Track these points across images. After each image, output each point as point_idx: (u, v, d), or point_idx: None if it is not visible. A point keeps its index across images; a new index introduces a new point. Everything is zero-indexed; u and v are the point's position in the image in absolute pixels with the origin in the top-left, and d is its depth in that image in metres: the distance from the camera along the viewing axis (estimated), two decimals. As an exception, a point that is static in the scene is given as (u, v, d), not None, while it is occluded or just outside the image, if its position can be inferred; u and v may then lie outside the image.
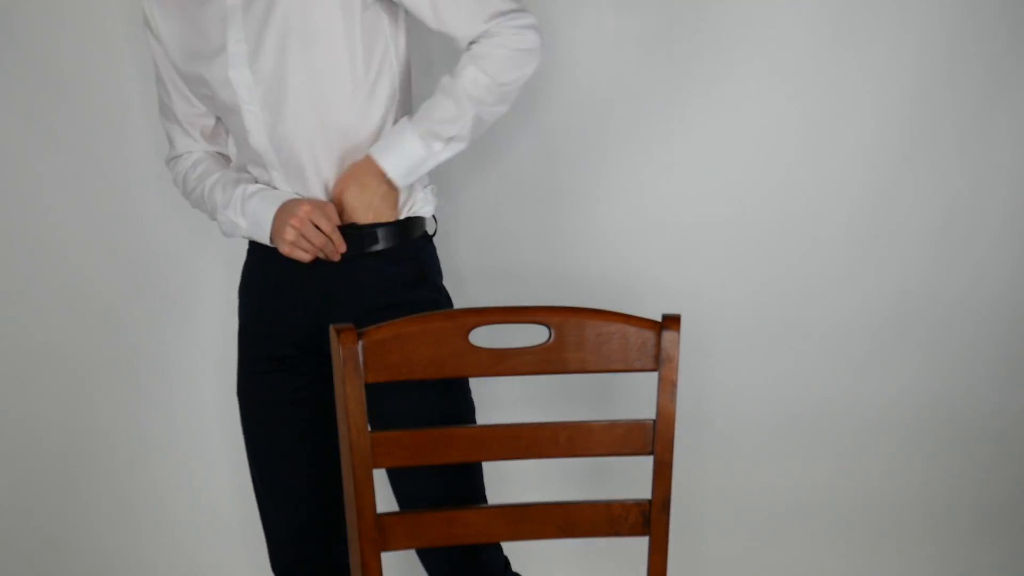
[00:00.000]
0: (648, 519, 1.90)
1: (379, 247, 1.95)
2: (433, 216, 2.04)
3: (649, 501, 1.90)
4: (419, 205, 2.01)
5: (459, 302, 2.18)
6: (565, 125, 2.28)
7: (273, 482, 2.01)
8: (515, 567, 2.08)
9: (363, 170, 1.92)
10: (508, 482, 2.24)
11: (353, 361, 1.80)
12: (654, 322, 1.90)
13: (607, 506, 1.90)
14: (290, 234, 1.88)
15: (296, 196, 1.95)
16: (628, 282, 2.32)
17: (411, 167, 1.92)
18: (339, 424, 1.85)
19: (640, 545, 1.93)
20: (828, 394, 2.45)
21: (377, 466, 1.82)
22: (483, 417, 2.13)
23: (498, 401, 2.26)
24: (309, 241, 1.89)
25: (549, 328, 1.87)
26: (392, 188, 1.94)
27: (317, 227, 1.89)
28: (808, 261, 2.39)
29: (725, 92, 2.32)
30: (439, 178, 2.25)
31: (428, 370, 1.83)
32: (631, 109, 2.30)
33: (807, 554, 2.49)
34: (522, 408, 2.26)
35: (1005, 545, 2.56)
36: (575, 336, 1.88)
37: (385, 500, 1.90)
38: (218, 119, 2.08)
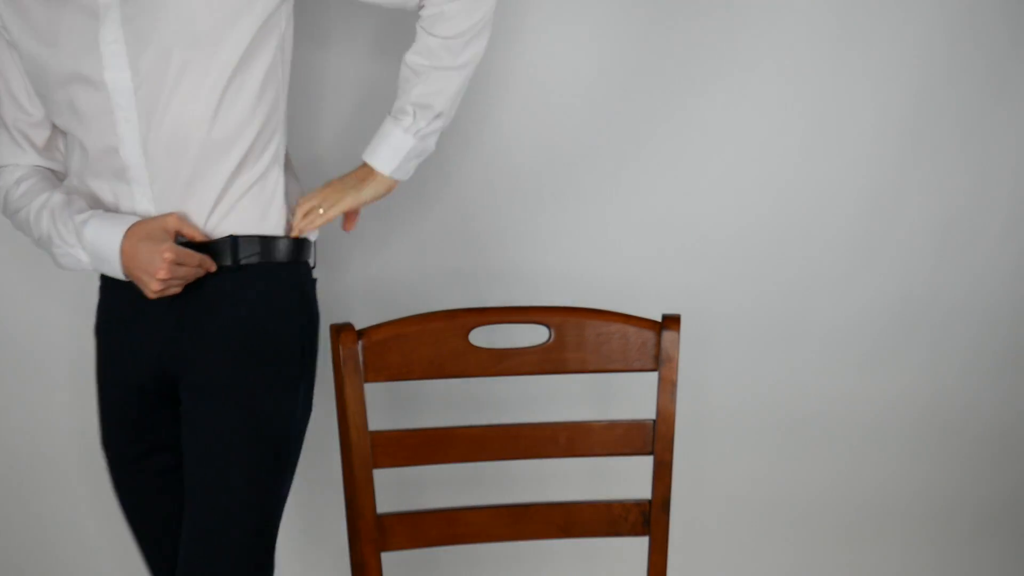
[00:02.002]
0: (648, 519, 1.90)
1: (253, 260, 1.80)
2: (314, 244, 1.89)
3: (649, 501, 1.90)
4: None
5: (459, 302, 2.19)
6: (565, 125, 2.28)
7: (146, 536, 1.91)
8: (515, 567, 2.08)
9: (359, 177, 1.85)
10: (508, 482, 2.24)
11: (353, 361, 1.80)
12: (654, 322, 1.90)
13: (607, 506, 1.90)
14: (157, 285, 1.73)
15: (133, 217, 1.77)
16: (628, 282, 2.32)
17: (405, 157, 1.83)
18: (339, 424, 1.85)
19: (640, 545, 1.93)
20: (828, 394, 2.45)
21: (377, 466, 1.82)
22: (483, 417, 2.13)
23: (498, 401, 2.26)
24: (181, 280, 1.75)
25: (549, 328, 1.87)
26: (386, 179, 1.84)
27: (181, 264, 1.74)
28: (809, 261, 2.39)
29: (726, 92, 2.32)
30: (436, 176, 2.25)
31: (428, 370, 1.83)
32: (632, 109, 2.30)
33: (807, 554, 2.49)
34: (522, 408, 2.26)
35: (1007, 545, 2.56)
36: (575, 336, 1.88)
37: (385, 500, 1.90)
38: (55, 129, 1.87)
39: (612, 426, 1.89)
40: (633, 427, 1.89)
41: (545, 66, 2.25)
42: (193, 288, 1.78)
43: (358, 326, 1.85)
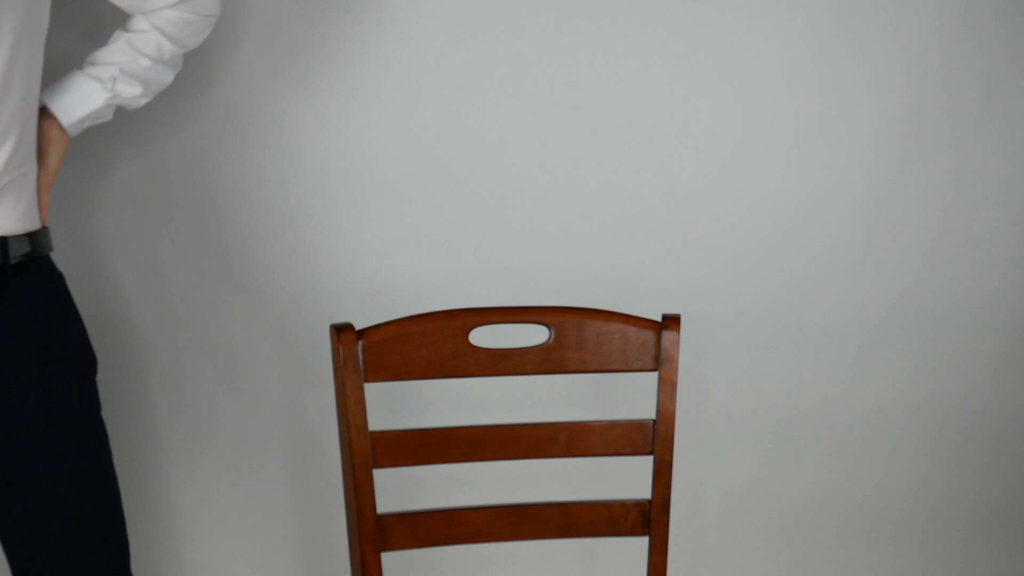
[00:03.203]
0: (648, 519, 1.90)
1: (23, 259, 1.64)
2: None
3: (649, 501, 1.91)
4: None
5: (459, 302, 2.19)
6: (564, 124, 2.28)
7: None
8: (515, 567, 2.08)
9: (51, 138, 1.69)
10: (508, 482, 2.24)
11: (353, 361, 1.80)
12: (654, 322, 1.91)
13: (607, 506, 1.90)
14: None
15: None
16: (628, 282, 2.32)
17: (77, 103, 1.70)
18: (339, 424, 1.85)
19: (640, 545, 1.93)
20: (828, 394, 2.45)
21: (377, 466, 1.82)
22: (483, 417, 2.13)
23: (498, 401, 2.26)
24: None
25: (549, 328, 1.87)
26: (64, 136, 1.70)
27: None
28: (808, 261, 2.39)
29: (725, 92, 2.32)
30: (436, 176, 2.25)
31: (428, 370, 1.83)
32: (632, 109, 2.30)
33: (808, 554, 2.49)
34: (522, 408, 2.26)
35: (1012, 545, 2.56)
36: (575, 336, 1.88)
37: (385, 500, 1.90)
38: None
39: (612, 426, 1.89)
40: (633, 427, 1.89)
41: (544, 66, 2.25)
42: None
43: (358, 326, 1.85)
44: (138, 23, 1.76)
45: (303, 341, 2.22)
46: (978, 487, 2.53)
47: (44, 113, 1.72)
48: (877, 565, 2.52)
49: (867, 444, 2.47)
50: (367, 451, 1.80)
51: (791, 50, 2.31)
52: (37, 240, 1.66)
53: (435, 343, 1.83)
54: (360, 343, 1.80)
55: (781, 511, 2.46)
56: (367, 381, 1.80)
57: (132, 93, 1.76)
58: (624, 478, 2.14)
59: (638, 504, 1.90)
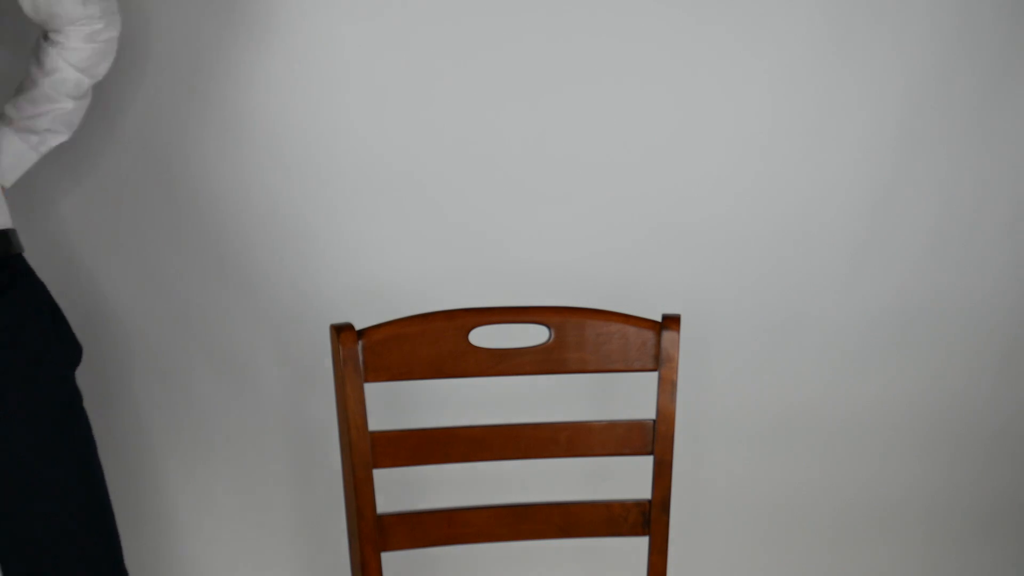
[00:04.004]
0: (648, 519, 1.90)
1: None
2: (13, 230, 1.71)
3: (649, 501, 1.91)
4: None
5: (459, 302, 2.18)
6: (564, 124, 2.28)
7: None
8: (515, 567, 2.08)
9: None
10: (508, 482, 2.24)
11: (353, 361, 1.80)
12: (654, 322, 1.91)
13: (607, 506, 1.90)
14: None
15: None
16: (628, 282, 2.32)
17: (14, 165, 1.76)
18: (339, 424, 1.85)
19: (640, 545, 1.93)
20: (829, 394, 2.45)
21: (377, 466, 1.82)
22: (483, 417, 2.13)
23: (498, 401, 2.26)
24: None
25: (549, 328, 1.87)
26: None
27: None
28: (808, 261, 2.39)
29: (725, 93, 2.32)
30: (436, 176, 2.25)
31: (428, 370, 1.83)
32: (631, 109, 2.30)
33: (808, 554, 2.49)
34: (522, 408, 2.26)
35: (1015, 544, 2.57)
36: (575, 336, 1.88)
37: (385, 500, 1.90)
38: None
39: (612, 426, 1.89)
40: (633, 427, 1.89)
41: (545, 65, 2.25)
42: None
43: (358, 326, 1.85)
44: (51, 60, 1.78)
45: (303, 341, 2.22)
46: (986, 486, 2.54)
47: None
48: (877, 564, 2.52)
49: (867, 444, 2.47)
50: (367, 451, 1.80)
51: (790, 50, 2.31)
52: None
53: (435, 343, 1.83)
54: (360, 343, 1.80)
55: (781, 511, 2.46)
56: (367, 381, 1.80)
57: (60, 140, 1.83)
58: (624, 478, 2.14)
59: (638, 504, 1.90)
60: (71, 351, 1.73)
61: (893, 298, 2.43)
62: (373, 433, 1.81)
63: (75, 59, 1.77)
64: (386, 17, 2.17)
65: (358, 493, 1.80)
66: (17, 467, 1.64)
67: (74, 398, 1.72)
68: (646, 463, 1.93)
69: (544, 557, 2.34)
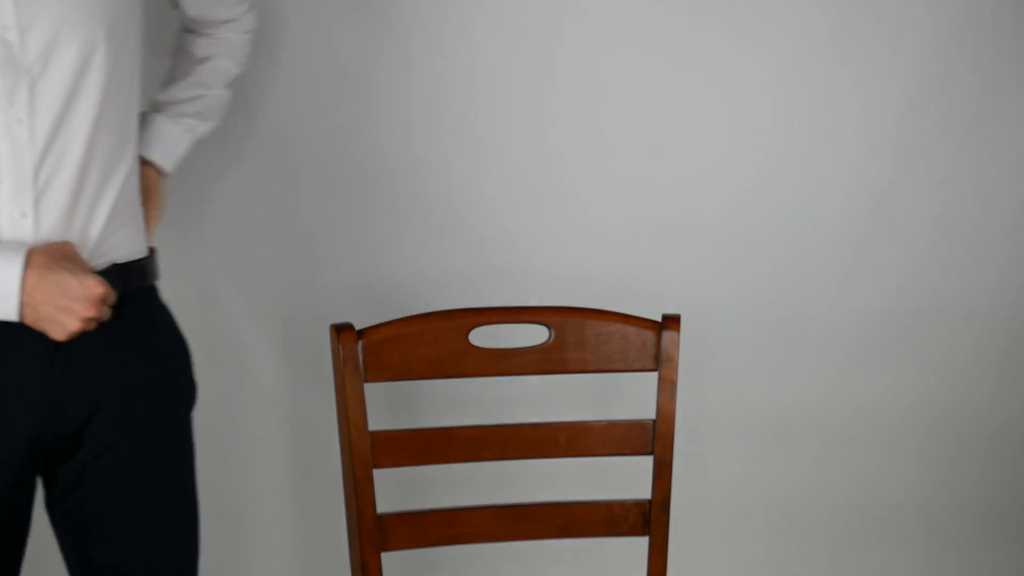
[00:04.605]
0: (648, 519, 1.90)
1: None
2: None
3: (649, 501, 1.91)
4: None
5: (459, 302, 2.18)
6: (564, 124, 2.28)
7: None
8: (515, 567, 2.08)
9: (155, 180, 1.71)
10: (508, 482, 2.24)
11: (353, 361, 1.80)
12: (654, 322, 1.91)
13: (607, 506, 1.90)
14: (77, 325, 1.45)
15: (16, 242, 1.45)
16: (628, 282, 2.32)
17: (171, 150, 1.75)
18: (339, 424, 1.85)
19: (640, 545, 1.93)
20: (829, 394, 2.45)
21: (377, 466, 1.82)
22: (483, 417, 2.13)
23: (498, 401, 2.26)
24: (100, 319, 1.48)
25: (549, 328, 1.87)
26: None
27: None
28: (808, 261, 2.39)
29: (725, 92, 2.32)
30: (436, 176, 2.25)
31: (428, 370, 1.83)
32: (631, 108, 2.30)
33: (808, 555, 2.49)
34: (522, 408, 2.26)
35: (1016, 543, 2.57)
36: (575, 336, 1.88)
37: (385, 500, 1.90)
38: None
39: (612, 426, 1.89)
40: (633, 427, 1.89)
41: (545, 65, 2.25)
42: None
43: (358, 326, 1.85)
44: (203, 50, 1.81)
45: (303, 341, 2.22)
46: (986, 487, 2.54)
47: (142, 161, 1.73)
48: (876, 563, 2.52)
49: (867, 443, 2.47)
50: (367, 451, 1.80)
51: (790, 50, 2.31)
52: (151, 267, 1.65)
53: (435, 343, 1.83)
54: (360, 343, 1.80)
55: (781, 510, 2.46)
56: (367, 381, 1.80)
57: (210, 127, 1.83)
58: (624, 478, 2.14)
59: (638, 504, 1.90)
60: (194, 390, 1.72)
61: (893, 298, 2.43)
62: (373, 433, 1.81)
63: (227, 49, 1.82)
64: (387, 17, 2.17)
65: (358, 493, 1.80)
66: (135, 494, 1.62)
67: (190, 432, 1.71)
68: (646, 463, 1.92)
69: (544, 557, 2.34)
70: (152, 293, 1.66)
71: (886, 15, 2.32)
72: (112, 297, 1.48)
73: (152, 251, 1.68)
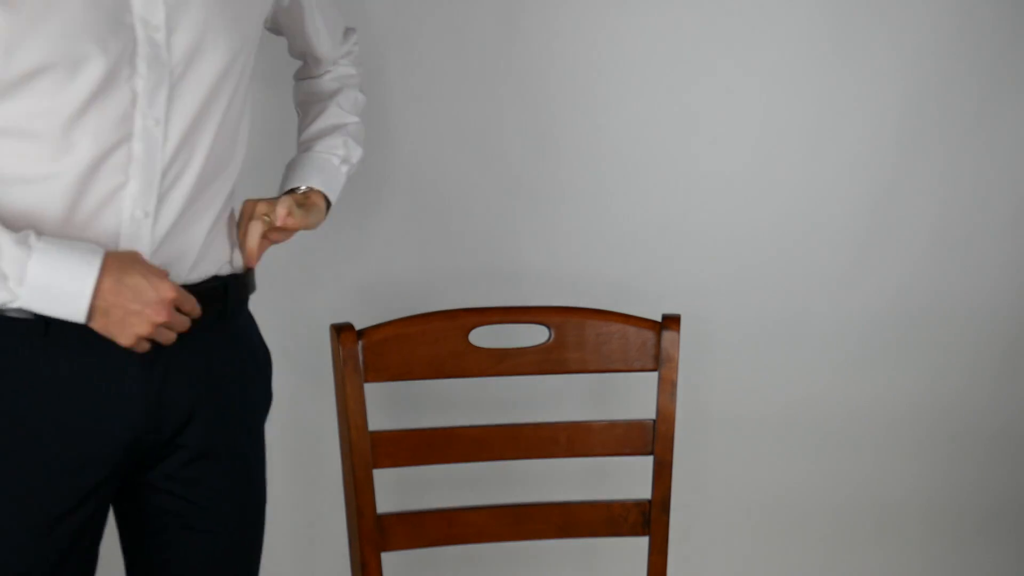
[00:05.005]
0: (648, 519, 1.90)
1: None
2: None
3: (649, 501, 1.91)
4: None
5: (459, 302, 2.18)
6: (564, 124, 2.28)
7: None
8: (515, 567, 2.08)
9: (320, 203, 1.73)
10: (508, 482, 2.24)
11: (353, 361, 1.80)
12: (654, 322, 1.91)
13: (607, 506, 1.90)
14: (147, 329, 1.42)
15: (89, 243, 1.42)
16: (628, 282, 2.32)
17: (330, 180, 1.77)
18: (339, 424, 1.86)
19: (640, 545, 1.93)
20: (829, 394, 2.45)
21: (377, 466, 1.82)
22: (483, 417, 2.13)
23: (498, 401, 2.26)
24: (174, 328, 1.46)
25: (549, 328, 1.88)
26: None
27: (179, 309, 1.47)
28: (808, 261, 2.39)
29: (725, 92, 2.32)
30: (436, 176, 2.25)
31: (428, 370, 1.83)
32: (632, 109, 2.30)
33: (808, 554, 2.49)
34: (522, 408, 2.26)
35: (1016, 544, 2.57)
36: (575, 336, 1.88)
37: (385, 500, 1.90)
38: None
39: (612, 426, 1.89)
40: (633, 427, 1.90)
41: (545, 65, 2.25)
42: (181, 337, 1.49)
43: (358, 326, 1.85)
44: (329, 85, 1.84)
45: (303, 341, 2.22)
46: (986, 487, 2.54)
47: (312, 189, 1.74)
48: (876, 563, 2.52)
49: (867, 443, 2.47)
50: (367, 451, 1.80)
51: (790, 50, 2.31)
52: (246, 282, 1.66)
53: (435, 343, 1.83)
54: (360, 343, 1.80)
55: (781, 510, 2.47)
56: (367, 381, 1.81)
57: (359, 155, 1.81)
58: (624, 478, 2.14)
59: (638, 504, 1.90)
60: (271, 399, 1.74)
61: (893, 298, 2.43)
62: (373, 433, 1.81)
63: (350, 80, 1.84)
64: (387, 17, 2.18)
65: (358, 493, 1.80)
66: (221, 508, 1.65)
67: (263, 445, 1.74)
68: (646, 463, 1.93)
69: (544, 557, 2.34)
70: (246, 305, 1.67)
71: (886, 15, 2.32)
72: (190, 303, 1.48)
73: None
